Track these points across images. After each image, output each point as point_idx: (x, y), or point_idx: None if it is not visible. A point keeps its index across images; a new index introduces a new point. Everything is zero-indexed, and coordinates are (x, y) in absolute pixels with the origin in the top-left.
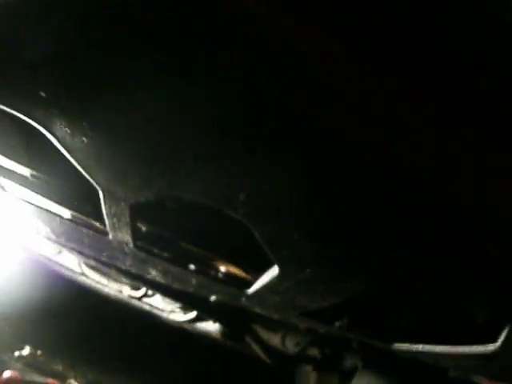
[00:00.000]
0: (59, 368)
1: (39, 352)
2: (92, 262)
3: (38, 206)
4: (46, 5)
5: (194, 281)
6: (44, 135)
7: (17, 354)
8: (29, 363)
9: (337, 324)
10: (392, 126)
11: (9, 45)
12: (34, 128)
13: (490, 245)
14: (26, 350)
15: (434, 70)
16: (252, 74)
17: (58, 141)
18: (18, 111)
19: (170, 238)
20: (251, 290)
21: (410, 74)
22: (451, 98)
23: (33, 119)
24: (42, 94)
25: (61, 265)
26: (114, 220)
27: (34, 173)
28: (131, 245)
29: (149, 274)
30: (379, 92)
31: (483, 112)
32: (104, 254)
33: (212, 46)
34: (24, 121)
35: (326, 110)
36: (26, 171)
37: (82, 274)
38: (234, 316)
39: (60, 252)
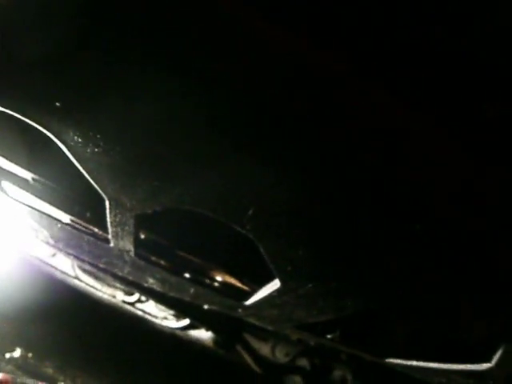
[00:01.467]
0: (49, 371)
1: (30, 355)
2: (86, 266)
3: (38, 210)
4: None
5: (191, 290)
6: (47, 141)
7: (8, 356)
8: (20, 366)
9: (329, 336)
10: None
11: (24, 54)
12: (38, 133)
13: (488, 266)
14: (17, 352)
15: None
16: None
17: (69, 150)
18: (31, 119)
19: (170, 246)
20: (249, 302)
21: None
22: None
23: (45, 128)
24: (58, 104)
25: (54, 267)
26: (118, 229)
27: (36, 176)
28: (132, 253)
29: (146, 281)
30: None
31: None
32: (103, 260)
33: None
34: (27, 125)
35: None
36: (27, 175)
37: (76, 277)
38: (226, 325)
39: (54, 255)
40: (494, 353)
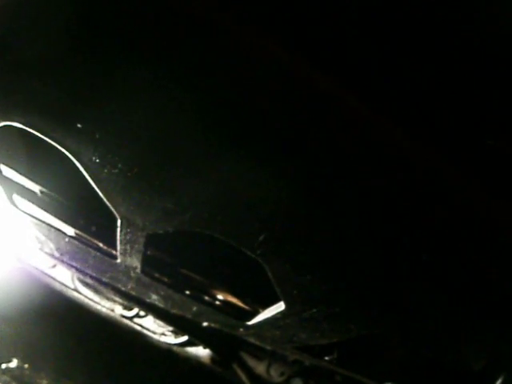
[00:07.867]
0: (43, 382)
1: (26, 366)
2: (87, 279)
3: (46, 223)
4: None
5: (194, 308)
6: (61, 157)
7: (4, 366)
8: (15, 376)
9: (327, 358)
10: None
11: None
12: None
13: (490, 294)
14: (14, 363)
15: None
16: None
17: (86, 170)
18: (52, 139)
19: (175, 264)
20: (251, 322)
21: None
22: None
23: (64, 148)
24: (79, 125)
25: (54, 278)
26: (127, 246)
27: (44, 190)
28: (138, 270)
29: (149, 298)
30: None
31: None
32: (107, 275)
33: None
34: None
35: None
36: (36, 188)
37: (75, 289)
38: (225, 343)
39: (54, 266)
40: (494, 381)
